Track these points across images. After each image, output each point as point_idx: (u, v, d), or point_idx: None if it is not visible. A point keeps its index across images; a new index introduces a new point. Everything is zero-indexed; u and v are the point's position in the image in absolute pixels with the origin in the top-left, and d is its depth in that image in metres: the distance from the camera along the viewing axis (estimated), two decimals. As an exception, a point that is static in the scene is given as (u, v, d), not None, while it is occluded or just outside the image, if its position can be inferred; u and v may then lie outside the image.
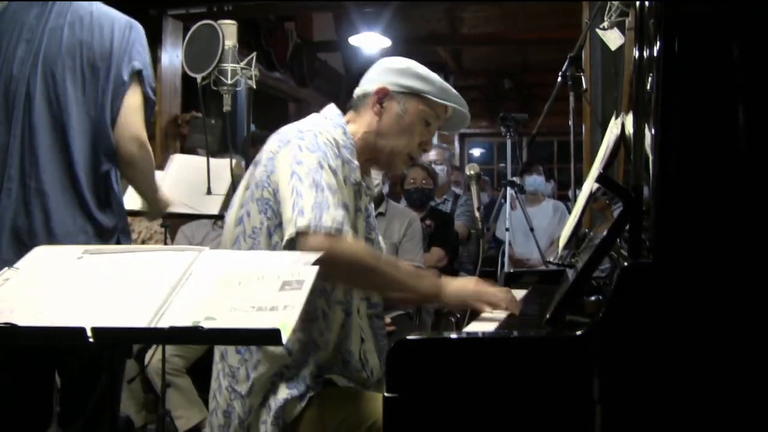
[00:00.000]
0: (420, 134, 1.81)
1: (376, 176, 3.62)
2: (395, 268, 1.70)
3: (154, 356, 3.03)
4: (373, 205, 1.89)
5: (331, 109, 1.83)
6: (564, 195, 6.66)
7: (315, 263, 1.36)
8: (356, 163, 1.74)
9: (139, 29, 2.12)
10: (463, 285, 1.79)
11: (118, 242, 2.09)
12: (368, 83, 1.82)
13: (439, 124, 1.85)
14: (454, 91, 1.83)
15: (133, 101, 2.08)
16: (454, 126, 1.90)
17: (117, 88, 2.05)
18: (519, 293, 1.98)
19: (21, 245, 1.88)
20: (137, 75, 2.08)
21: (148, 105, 2.13)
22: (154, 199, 2.32)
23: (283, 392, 1.64)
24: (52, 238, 1.95)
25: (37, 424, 2.11)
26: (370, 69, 1.86)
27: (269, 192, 1.65)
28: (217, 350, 1.74)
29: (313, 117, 1.80)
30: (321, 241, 1.51)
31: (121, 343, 1.78)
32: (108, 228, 2.06)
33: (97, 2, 2.13)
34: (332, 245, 1.51)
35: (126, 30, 2.08)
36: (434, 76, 1.81)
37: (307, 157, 1.61)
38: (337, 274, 1.61)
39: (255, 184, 1.68)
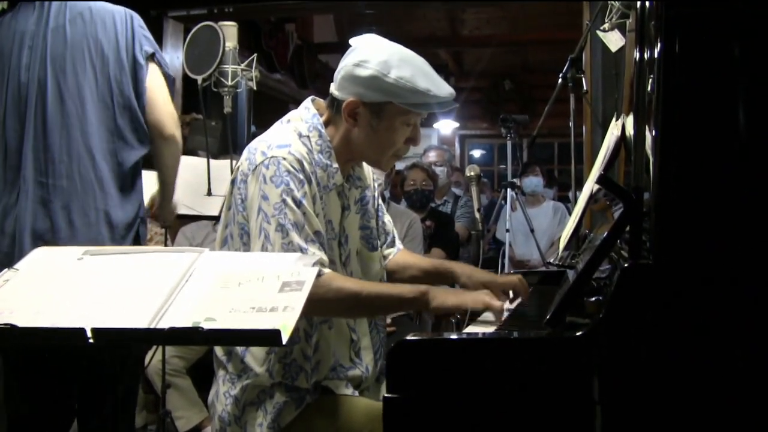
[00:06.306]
0: (402, 134, 1.70)
1: (378, 176, 3.62)
2: (377, 285, 1.69)
3: (154, 357, 3.03)
4: (370, 192, 1.85)
5: (309, 109, 1.74)
6: (564, 196, 6.66)
7: None
8: (335, 166, 1.70)
9: (138, 17, 2.19)
10: (446, 296, 1.66)
11: (137, 232, 2.11)
12: (338, 89, 1.68)
13: (422, 117, 1.72)
14: (431, 81, 1.63)
15: (157, 82, 2.18)
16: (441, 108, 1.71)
17: (136, 73, 2.12)
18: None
19: (43, 244, 1.89)
20: (152, 57, 2.17)
21: (168, 82, 2.24)
22: (170, 198, 2.35)
23: (281, 397, 1.64)
24: (73, 231, 1.98)
25: (59, 424, 2.12)
26: (340, 65, 1.68)
27: (243, 217, 1.66)
28: (218, 360, 1.74)
29: (289, 119, 1.74)
30: None
31: (121, 344, 1.78)
32: (128, 219, 2.09)
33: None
34: None
35: (127, 19, 2.15)
36: (405, 80, 1.60)
37: (270, 191, 1.59)
38: (321, 309, 1.61)
39: (235, 205, 1.68)
